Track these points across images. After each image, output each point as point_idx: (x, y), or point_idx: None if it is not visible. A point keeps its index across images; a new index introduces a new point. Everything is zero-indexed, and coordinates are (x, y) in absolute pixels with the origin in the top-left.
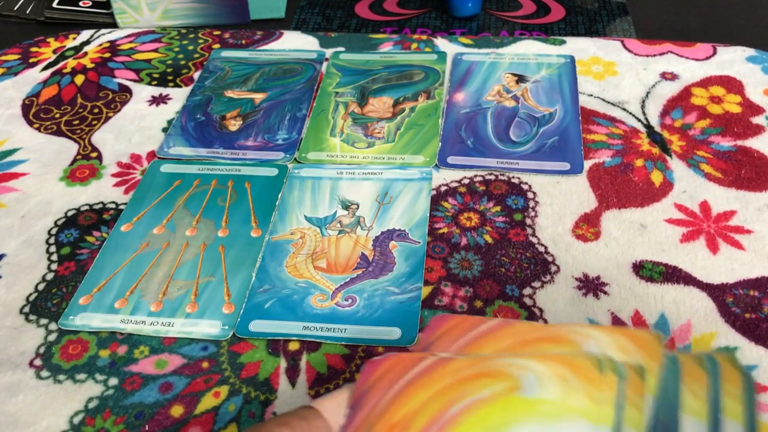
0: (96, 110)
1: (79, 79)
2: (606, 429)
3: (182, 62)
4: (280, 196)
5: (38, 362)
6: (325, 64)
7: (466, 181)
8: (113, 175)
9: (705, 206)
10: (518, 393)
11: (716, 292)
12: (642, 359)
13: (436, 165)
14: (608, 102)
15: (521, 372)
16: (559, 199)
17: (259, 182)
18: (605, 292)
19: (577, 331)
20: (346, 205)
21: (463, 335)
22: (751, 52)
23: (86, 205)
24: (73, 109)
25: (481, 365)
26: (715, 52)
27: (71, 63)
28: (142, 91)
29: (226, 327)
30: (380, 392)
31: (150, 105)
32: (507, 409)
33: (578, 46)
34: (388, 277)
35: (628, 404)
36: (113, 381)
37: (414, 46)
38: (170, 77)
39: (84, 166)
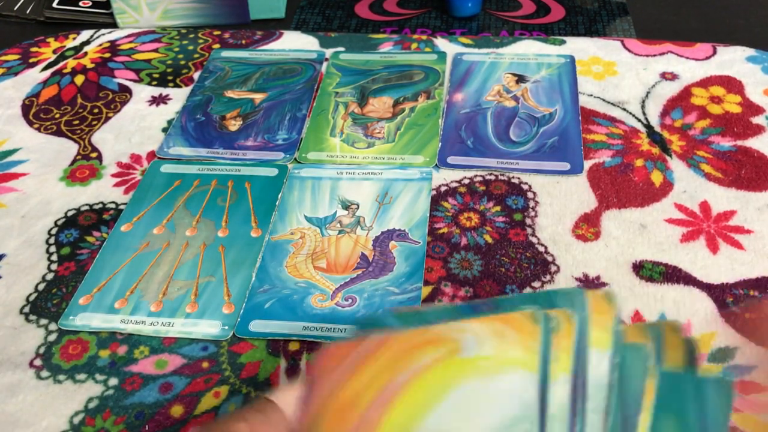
0: (96, 110)
1: (79, 79)
2: (534, 376)
3: (182, 62)
4: (280, 196)
5: (38, 362)
6: (325, 64)
7: (466, 181)
8: (113, 175)
9: (705, 206)
10: (458, 354)
11: (716, 292)
12: (519, 340)
13: (436, 165)
14: (608, 102)
15: (461, 334)
16: (559, 199)
17: (259, 182)
18: None
19: (456, 328)
20: (346, 205)
21: (344, 363)
22: (751, 52)
23: (86, 205)
24: (73, 109)
25: (424, 335)
26: (715, 52)
27: (71, 63)
28: (142, 91)
29: (226, 327)
30: (328, 376)
31: (150, 105)
32: (448, 371)
33: (578, 46)
34: (388, 277)
35: (555, 350)
36: (113, 381)
37: (414, 46)
38: (170, 77)
39: (84, 166)
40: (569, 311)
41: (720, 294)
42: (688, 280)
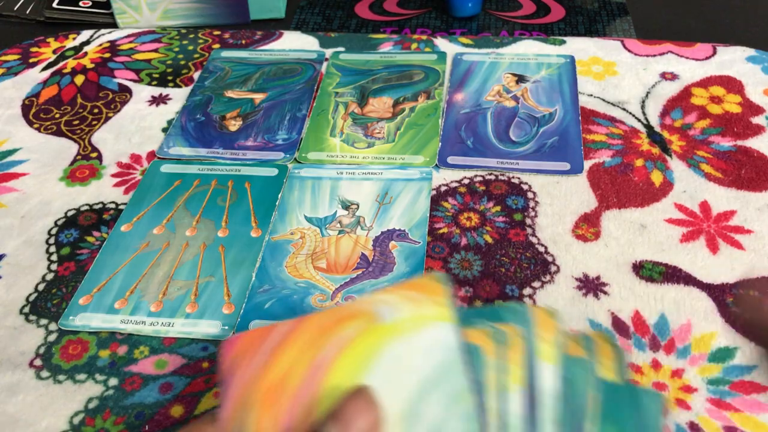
0: (96, 110)
1: (79, 80)
2: (452, 325)
3: (182, 62)
4: (280, 196)
5: (38, 362)
6: (325, 64)
7: (466, 181)
8: (113, 175)
9: (705, 206)
10: (378, 322)
11: (716, 292)
12: (430, 300)
13: (436, 165)
14: (608, 102)
15: (375, 306)
16: (559, 199)
17: (259, 182)
18: (605, 292)
19: (370, 301)
20: (346, 205)
21: (261, 349)
22: (751, 52)
23: (86, 205)
24: (73, 109)
25: (339, 313)
26: (715, 52)
27: (71, 63)
28: (142, 91)
29: (226, 327)
30: (247, 364)
31: (150, 105)
32: (371, 338)
33: (578, 46)
34: (388, 277)
35: (537, 339)
36: (113, 381)
37: (414, 46)
38: (170, 77)
39: (84, 166)
40: (517, 327)
41: (720, 294)
42: (688, 280)
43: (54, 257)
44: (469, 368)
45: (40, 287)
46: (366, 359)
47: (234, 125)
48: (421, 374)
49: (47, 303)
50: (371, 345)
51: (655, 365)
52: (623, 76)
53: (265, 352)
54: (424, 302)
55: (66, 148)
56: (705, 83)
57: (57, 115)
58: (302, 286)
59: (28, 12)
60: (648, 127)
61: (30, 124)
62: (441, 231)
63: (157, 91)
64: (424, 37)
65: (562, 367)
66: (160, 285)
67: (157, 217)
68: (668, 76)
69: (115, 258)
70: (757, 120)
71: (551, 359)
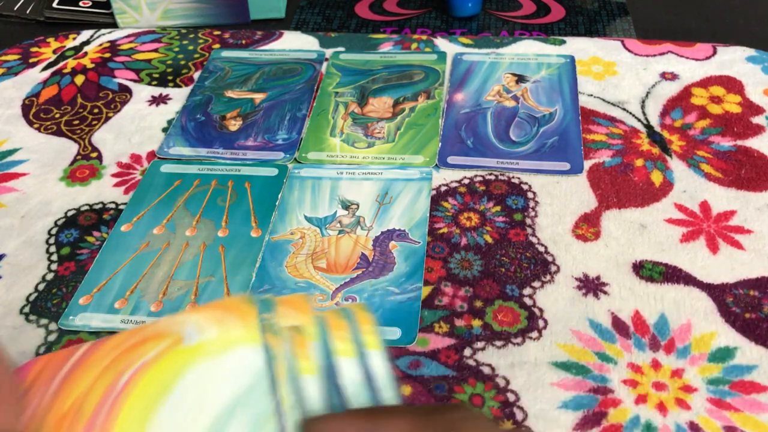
0: (96, 110)
1: (79, 79)
2: (258, 348)
3: (182, 62)
4: (280, 196)
5: None
6: (325, 64)
7: (466, 181)
8: (113, 175)
9: (705, 206)
10: (182, 344)
11: (716, 292)
12: (238, 322)
13: (436, 165)
14: (608, 102)
15: (180, 326)
16: (559, 199)
17: (259, 182)
18: (605, 292)
19: (175, 321)
20: (346, 205)
21: (58, 372)
22: (751, 52)
23: (86, 205)
24: (73, 109)
25: (143, 332)
26: (715, 52)
27: (71, 63)
28: (142, 91)
29: None
30: (41, 389)
31: (150, 105)
32: (174, 361)
33: (578, 46)
34: (388, 277)
35: (296, 356)
36: None
37: (414, 46)
38: (170, 77)
39: (84, 166)
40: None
41: (720, 294)
42: (688, 280)
43: (54, 257)
44: (273, 389)
45: (40, 287)
46: (166, 383)
47: (234, 125)
48: (224, 399)
49: (47, 303)
50: (172, 368)
51: (655, 365)
52: (623, 76)
53: (62, 376)
54: (231, 324)
55: (66, 148)
56: (705, 83)
57: (57, 115)
58: (302, 286)
59: (28, 12)
60: (648, 127)
61: (30, 124)
62: (441, 231)
63: (157, 91)
64: (424, 37)
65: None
66: (160, 285)
67: (157, 217)
68: (668, 76)
69: (115, 258)
70: (757, 120)
71: (348, 353)
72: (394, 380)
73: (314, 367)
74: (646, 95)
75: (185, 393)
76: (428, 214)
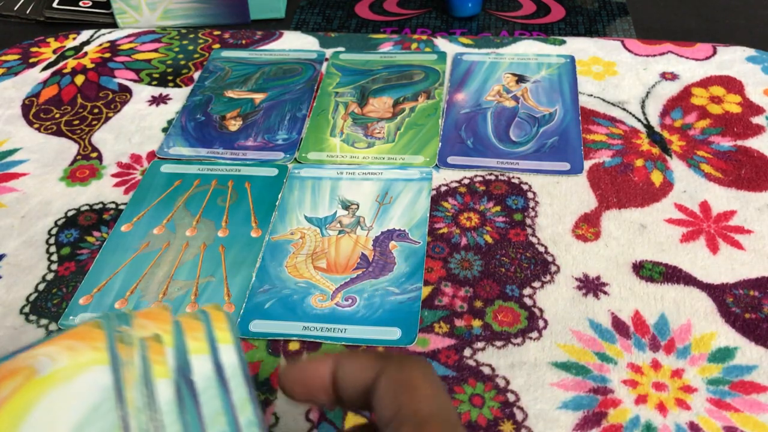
0: (96, 110)
1: (79, 79)
2: (107, 366)
3: (182, 62)
4: (280, 196)
5: None
6: (325, 64)
7: (466, 181)
8: (113, 175)
9: (705, 206)
10: (35, 377)
11: (716, 292)
12: (88, 346)
13: (436, 165)
14: (608, 102)
15: (34, 360)
16: (559, 199)
17: (259, 182)
18: (605, 292)
19: (28, 356)
20: (346, 205)
21: None
22: (751, 52)
23: (86, 205)
24: (73, 109)
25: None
26: (715, 52)
27: (71, 63)
28: (142, 91)
29: None
30: None
31: (150, 105)
32: (28, 394)
33: (578, 46)
34: (388, 277)
35: (151, 361)
36: None
37: (414, 46)
38: (170, 77)
39: (84, 166)
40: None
41: (720, 294)
42: (688, 280)
43: (54, 257)
44: (119, 398)
45: (41, 287)
46: (19, 417)
47: (234, 125)
48: (72, 420)
49: (47, 303)
50: (26, 401)
51: (655, 365)
52: (623, 76)
53: None
54: (82, 349)
55: (66, 148)
56: (705, 83)
57: (57, 115)
58: (302, 286)
59: (28, 12)
60: (648, 127)
61: (30, 124)
62: (441, 231)
63: (157, 91)
64: (424, 37)
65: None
66: (160, 285)
67: (158, 217)
68: (668, 76)
69: (115, 258)
70: (757, 120)
71: (201, 350)
72: (244, 369)
73: (168, 370)
74: (646, 95)
75: (35, 424)
76: (428, 214)
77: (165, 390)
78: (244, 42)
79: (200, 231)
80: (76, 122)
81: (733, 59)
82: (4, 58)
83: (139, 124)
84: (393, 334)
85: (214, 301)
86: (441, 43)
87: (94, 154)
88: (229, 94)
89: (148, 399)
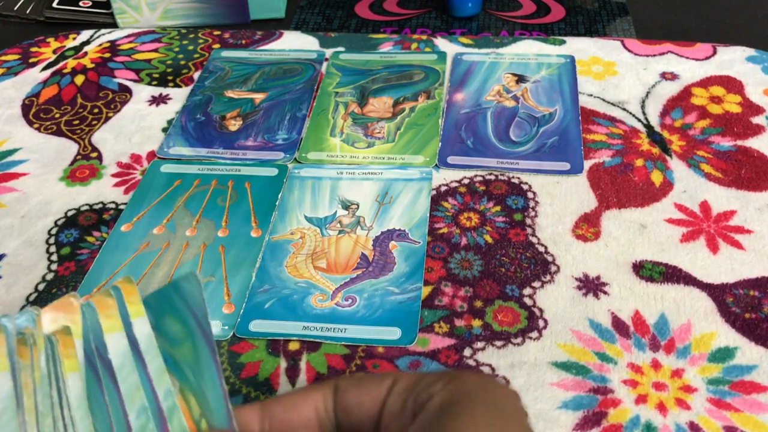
0: (96, 110)
1: (79, 79)
2: (7, 372)
3: (182, 62)
4: (280, 196)
5: None
6: (325, 64)
7: (466, 181)
8: (113, 175)
9: (705, 206)
10: None
11: (716, 292)
12: (66, 317)
13: (436, 165)
14: (608, 102)
15: None
16: (559, 199)
17: (259, 182)
18: (605, 292)
19: None
20: (346, 205)
21: None
22: (751, 52)
23: (86, 205)
24: (73, 109)
25: None
26: (715, 52)
27: (71, 63)
28: (142, 91)
29: (226, 327)
30: None
31: (150, 105)
32: None
33: (578, 46)
34: (388, 277)
35: (61, 357)
36: None
37: (414, 46)
38: (170, 77)
39: (84, 166)
40: (60, 327)
41: (720, 294)
42: (688, 279)
43: (54, 257)
44: (18, 405)
45: (41, 287)
46: None
47: (234, 125)
48: None
49: (47, 303)
50: None
51: (655, 365)
52: (623, 76)
53: None
54: None
55: (66, 148)
56: (705, 83)
57: (57, 115)
58: (302, 286)
59: (28, 12)
60: (648, 127)
61: (30, 124)
62: (441, 231)
63: (157, 91)
64: (424, 37)
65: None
66: (160, 285)
67: (157, 217)
68: (668, 76)
69: (115, 258)
70: (757, 120)
71: (114, 329)
72: (155, 339)
73: (78, 363)
74: (646, 95)
75: None
76: (428, 214)
77: (75, 384)
78: (244, 42)
79: (200, 231)
80: (76, 122)
81: (733, 59)
82: (4, 58)
83: (139, 124)
84: (393, 333)
85: (215, 302)
86: (441, 43)
87: (94, 154)
88: (229, 94)
89: (58, 398)
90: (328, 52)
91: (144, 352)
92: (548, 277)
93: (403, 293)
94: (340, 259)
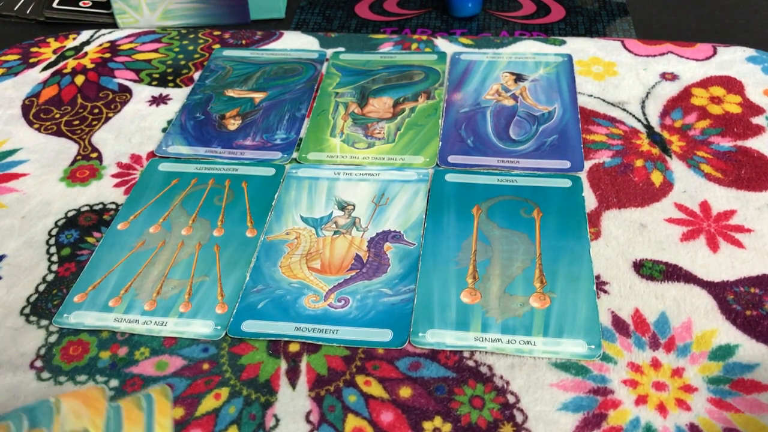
0: (96, 110)
1: (79, 80)
2: None
3: (182, 62)
4: (276, 196)
5: (39, 364)
6: (325, 64)
7: None
8: (113, 176)
9: (705, 206)
10: None
11: (717, 290)
12: (89, 418)
13: (436, 165)
14: (608, 102)
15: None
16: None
17: (256, 182)
18: (606, 291)
19: None
20: (343, 206)
21: None
22: (751, 52)
23: (86, 205)
24: (73, 109)
25: None
26: (715, 52)
27: (71, 63)
28: (142, 92)
29: (219, 327)
30: None
31: (150, 105)
32: None
33: (578, 46)
34: (381, 278)
35: None
36: (114, 383)
37: (414, 46)
38: (170, 77)
39: (84, 167)
40: (80, 429)
41: (721, 291)
42: (688, 278)
43: (54, 258)
44: None
45: (41, 288)
46: None
47: (233, 124)
48: None
49: (47, 304)
50: None
51: (655, 364)
52: (623, 77)
53: None
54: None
55: (66, 149)
56: (705, 83)
57: (57, 115)
58: (296, 287)
59: (28, 12)
60: (648, 127)
61: (30, 124)
62: None
63: (157, 91)
64: (424, 38)
65: None
66: (154, 284)
67: (154, 216)
68: (668, 77)
69: (111, 256)
70: (757, 120)
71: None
72: None
73: None
74: (646, 95)
75: None
76: (424, 216)
77: None
78: (244, 42)
79: (196, 230)
80: (76, 122)
81: (733, 59)
82: (4, 58)
83: (139, 125)
84: (385, 335)
85: (208, 301)
86: (441, 43)
87: (94, 155)
88: (230, 93)
89: None
90: (328, 52)
91: None
92: None
93: (396, 295)
94: (335, 260)
